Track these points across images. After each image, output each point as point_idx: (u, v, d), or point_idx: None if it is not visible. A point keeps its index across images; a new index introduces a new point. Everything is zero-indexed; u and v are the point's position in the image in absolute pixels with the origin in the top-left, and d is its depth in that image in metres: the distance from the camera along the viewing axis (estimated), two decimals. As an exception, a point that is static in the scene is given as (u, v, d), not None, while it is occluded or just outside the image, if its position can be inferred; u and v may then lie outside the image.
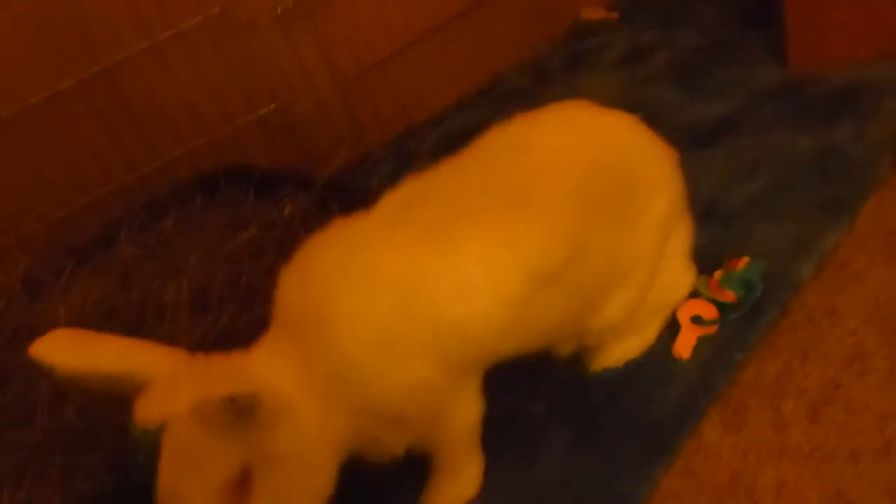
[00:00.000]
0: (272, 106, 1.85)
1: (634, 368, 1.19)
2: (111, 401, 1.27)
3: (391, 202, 1.04)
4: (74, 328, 0.97)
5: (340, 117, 1.92)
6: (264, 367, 0.92)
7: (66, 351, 0.89)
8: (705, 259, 1.25)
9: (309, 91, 1.87)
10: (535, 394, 1.19)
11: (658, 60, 1.98)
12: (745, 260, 1.26)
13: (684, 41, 2.02)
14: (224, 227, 1.59)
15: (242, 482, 0.85)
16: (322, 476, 0.94)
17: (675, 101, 1.78)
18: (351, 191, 1.56)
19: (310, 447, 0.91)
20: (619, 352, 1.19)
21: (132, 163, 1.77)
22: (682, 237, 1.19)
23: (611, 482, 1.05)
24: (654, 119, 1.16)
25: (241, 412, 0.81)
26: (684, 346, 1.19)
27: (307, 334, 0.94)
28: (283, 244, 1.53)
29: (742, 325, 1.19)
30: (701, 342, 1.19)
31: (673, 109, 1.75)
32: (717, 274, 1.26)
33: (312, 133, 1.89)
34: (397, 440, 1.03)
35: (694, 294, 1.24)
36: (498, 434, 1.13)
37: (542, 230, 0.99)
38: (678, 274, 1.20)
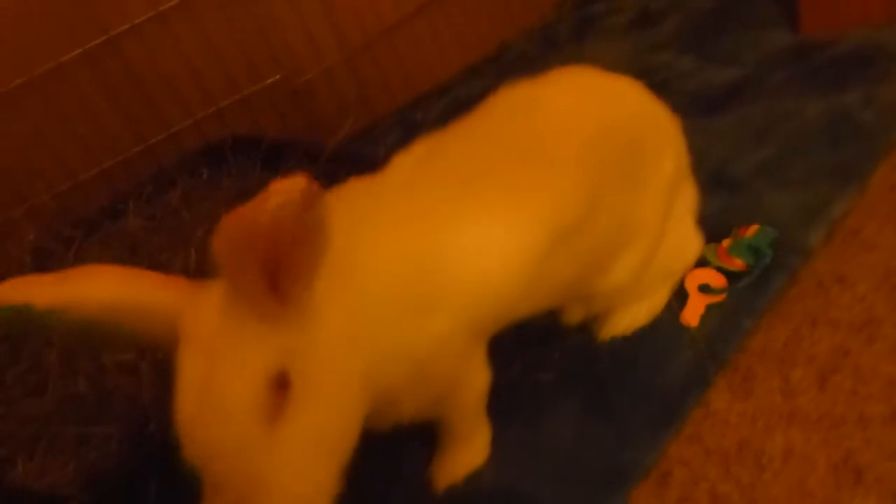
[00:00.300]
0: (279, 75, 1.84)
1: (642, 336, 1.19)
2: (122, 371, 1.29)
3: (404, 162, 1.03)
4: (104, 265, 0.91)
5: (347, 86, 1.90)
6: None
7: (99, 284, 0.84)
8: (714, 227, 1.24)
9: (316, 60, 1.86)
10: (544, 362, 1.19)
11: (668, 25, 1.95)
12: (755, 227, 1.26)
13: (695, 4, 1.98)
14: (232, 198, 1.59)
15: (283, 386, 0.78)
16: (352, 398, 0.86)
17: (685, 67, 1.76)
18: (358, 160, 1.54)
19: (343, 361, 0.85)
20: (628, 319, 1.19)
21: (139, 134, 1.77)
22: (687, 202, 1.19)
23: (619, 449, 1.06)
24: (663, 86, 1.15)
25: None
26: (692, 314, 1.19)
27: (337, 272, 0.84)
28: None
29: (750, 293, 1.19)
30: (709, 310, 1.19)
31: (682, 76, 1.72)
32: (726, 242, 1.26)
33: (319, 102, 1.88)
34: (410, 401, 1.00)
35: (702, 262, 1.24)
36: (506, 402, 1.14)
37: (559, 185, 0.99)
38: (685, 239, 1.20)
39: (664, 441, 1.06)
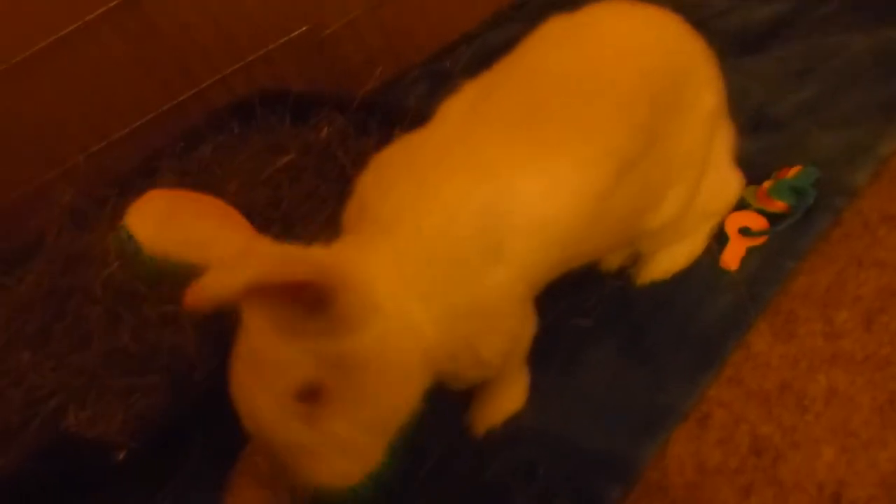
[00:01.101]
0: (304, 27, 1.82)
1: (681, 280, 1.17)
2: (164, 323, 1.31)
3: (455, 110, 0.99)
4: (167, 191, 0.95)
5: (373, 37, 1.87)
6: (348, 261, 0.83)
7: (155, 221, 0.87)
8: (754, 169, 1.21)
9: (341, 11, 1.83)
10: (581, 308, 1.19)
11: (703, -38, 1.88)
12: (797, 168, 1.23)
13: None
14: (262, 152, 1.59)
15: (315, 393, 0.79)
16: (407, 388, 0.85)
17: (722, 4, 1.70)
18: (388, 111, 1.53)
19: (397, 353, 0.83)
20: (666, 262, 1.17)
21: (167, 92, 1.77)
22: (725, 142, 1.16)
23: (657, 392, 1.06)
24: (700, 25, 1.10)
25: (315, 303, 0.74)
26: (732, 258, 1.17)
27: (400, 232, 0.87)
28: (321, 167, 1.53)
29: (793, 234, 1.16)
30: (750, 252, 1.17)
31: (719, 14, 1.67)
32: (767, 184, 1.23)
33: (346, 54, 1.85)
34: (488, 355, 0.97)
35: (742, 205, 1.22)
36: (544, 348, 1.13)
37: (619, 117, 0.96)
38: (724, 179, 1.17)
39: (703, 384, 1.05)
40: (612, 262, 1.20)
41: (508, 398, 1.12)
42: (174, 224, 0.85)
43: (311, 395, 0.79)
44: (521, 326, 1.01)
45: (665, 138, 1.02)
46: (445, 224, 0.88)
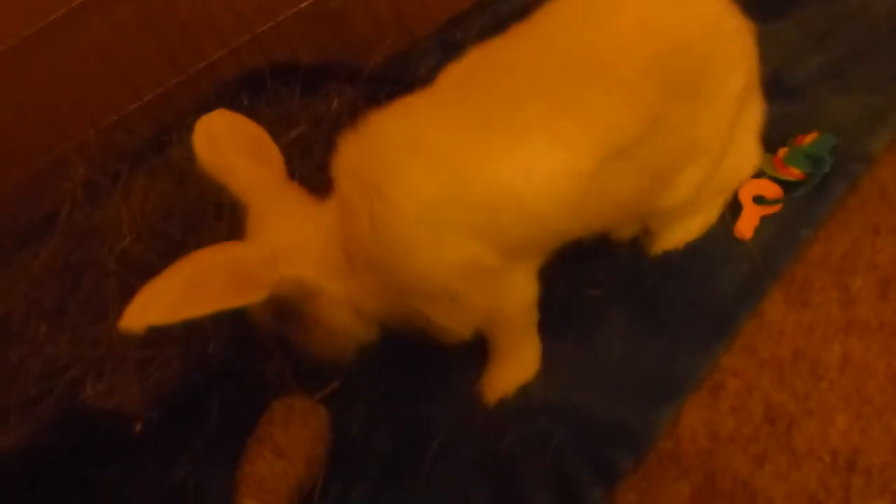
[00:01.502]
0: (314, -2, 1.80)
1: (694, 249, 1.16)
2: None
3: (456, 75, 1.01)
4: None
5: (383, 6, 1.85)
6: (303, 254, 1.01)
7: (208, 139, 1.04)
8: (770, 136, 1.19)
9: (350, -21, 1.81)
10: (594, 278, 1.18)
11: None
12: (813, 135, 1.21)
13: None
14: (272, 124, 1.58)
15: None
16: (353, 333, 1.09)
17: (739, -31, 1.67)
18: (398, 82, 1.52)
19: (339, 316, 1.06)
20: (680, 233, 1.16)
21: (177, 65, 1.76)
22: (753, 116, 1.14)
23: (670, 361, 1.05)
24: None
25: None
26: (746, 226, 1.16)
27: (358, 211, 0.97)
28: (332, 139, 1.51)
29: (809, 202, 1.15)
30: (765, 220, 1.16)
31: (736, -21, 1.63)
32: (782, 151, 1.21)
33: (355, 24, 1.84)
34: (455, 322, 1.05)
35: (757, 173, 1.20)
36: (556, 317, 1.14)
37: (615, 102, 0.95)
38: (744, 154, 1.15)
39: (717, 352, 1.05)
40: (625, 232, 1.19)
41: (519, 368, 1.12)
42: (221, 147, 1.03)
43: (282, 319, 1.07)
44: (492, 297, 1.02)
45: (677, 124, 1.00)
46: (401, 208, 0.94)
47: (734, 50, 1.05)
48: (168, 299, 0.86)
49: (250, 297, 0.91)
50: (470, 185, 0.93)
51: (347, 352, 1.13)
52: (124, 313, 0.84)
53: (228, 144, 1.04)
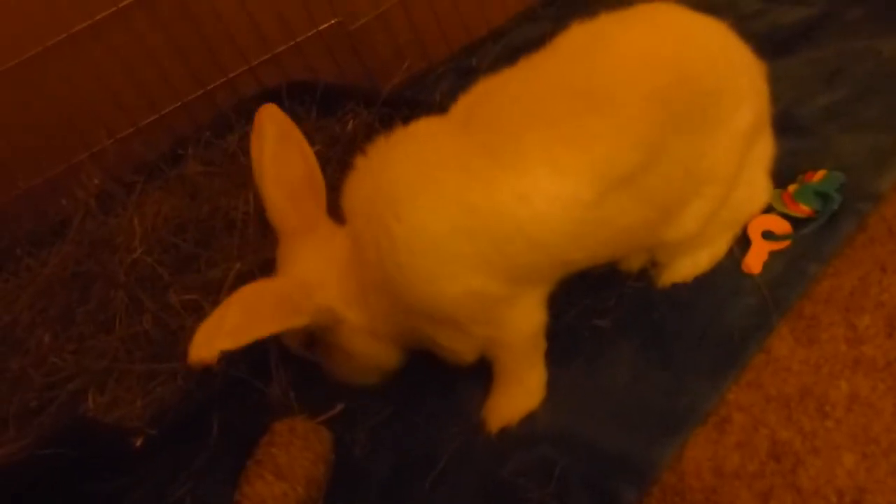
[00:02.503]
0: (334, 20, 1.83)
1: (702, 282, 1.17)
2: (186, 310, 1.32)
3: (465, 104, 1.04)
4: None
5: (402, 31, 1.88)
6: (322, 289, 1.05)
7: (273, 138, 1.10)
8: (779, 172, 1.20)
9: (371, 4, 1.84)
10: (602, 308, 1.18)
11: (734, -37, 1.87)
12: (822, 172, 1.21)
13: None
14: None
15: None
16: (375, 358, 1.14)
17: (752, 7, 1.68)
18: (414, 105, 1.54)
19: (359, 342, 1.10)
20: (688, 266, 1.17)
21: (197, 79, 1.79)
22: (763, 152, 1.15)
23: (676, 394, 1.05)
24: (729, 27, 1.10)
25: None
26: (755, 261, 1.16)
27: (366, 242, 1.01)
28: (346, 160, 1.53)
29: (817, 238, 1.15)
30: (773, 256, 1.16)
31: (749, 16, 1.65)
32: (791, 187, 1.22)
33: (374, 48, 1.86)
34: (459, 345, 1.07)
35: (766, 208, 1.20)
36: (563, 347, 1.14)
37: (613, 133, 0.96)
38: (754, 189, 1.16)
39: (723, 386, 1.04)
40: (633, 262, 1.20)
41: (524, 395, 1.12)
42: (276, 154, 1.10)
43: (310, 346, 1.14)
44: (495, 325, 1.04)
45: (680, 155, 1.01)
46: (404, 241, 0.97)
47: (741, 85, 1.06)
48: (229, 326, 0.94)
49: (294, 322, 1.01)
50: (474, 214, 0.95)
51: (371, 377, 1.17)
52: (192, 345, 0.93)
53: (281, 157, 1.10)
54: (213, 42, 1.76)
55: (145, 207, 1.56)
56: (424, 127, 1.05)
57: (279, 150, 1.10)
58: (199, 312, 1.30)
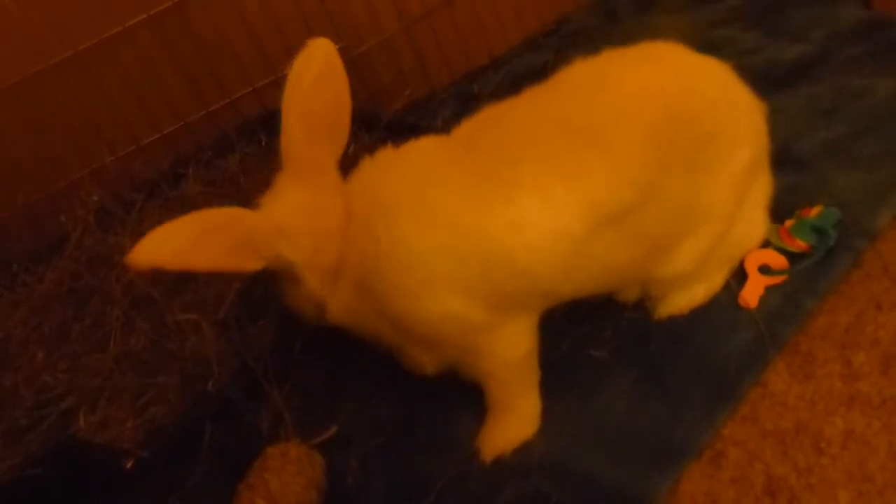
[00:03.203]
0: (338, 45, 1.83)
1: (698, 315, 1.17)
2: (182, 330, 1.32)
3: (465, 130, 1.05)
4: None
5: (406, 57, 1.89)
6: (293, 243, 1.02)
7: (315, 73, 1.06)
8: (776, 207, 1.21)
9: (374, 30, 1.85)
10: (598, 339, 1.19)
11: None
12: (818, 208, 1.22)
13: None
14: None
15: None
16: (304, 312, 1.12)
17: (750, 43, 1.71)
18: (415, 131, 1.54)
19: (298, 296, 1.09)
20: (685, 299, 1.17)
21: (201, 99, 1.79)
22: (762, 189, 1.16)
23: (672, 427, 1.05)
24: (726, 63, 1.12)
25: None
26: (751, 296, 1.17)
27: (356, 244, 1.01)
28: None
29: (813, 274, 1.16)
30: (770, 290, 1.16)
31: (747, 52, 1.67)
32: (788, 222, 1.22)
33: (377, 73, 1.87)
34: (423, 357, 1.09)
35: (763, 243, 1.21)
36: (560, 375, 1.14)
37: (608, 169, 0.97)
38: (752, 225, 1.17)
39: (719, 420, 1.04)
40: (630, 294, 1.20)
41: (518, 425, 1.11)
42: (313, 87, 1.04)
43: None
44: (472, 351, 1.04)
45: (674, 194, 1.02)
46: (391, 257, 0.97)
47: (740, 127, 1.07)
48: (177, 245, 0.89)
49: (248, 264, 0.97)
50: (464, 237, 0.96)
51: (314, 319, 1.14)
52: (136, 247, 0.87)
53: (318, 92, 1.04)
54: (218, 63, 1.77)
55: (144, 226, 1.56)
56: (428, 145, 1.06)
57: (318, 84, 1.03)
58: (196, 333, 1.30)
